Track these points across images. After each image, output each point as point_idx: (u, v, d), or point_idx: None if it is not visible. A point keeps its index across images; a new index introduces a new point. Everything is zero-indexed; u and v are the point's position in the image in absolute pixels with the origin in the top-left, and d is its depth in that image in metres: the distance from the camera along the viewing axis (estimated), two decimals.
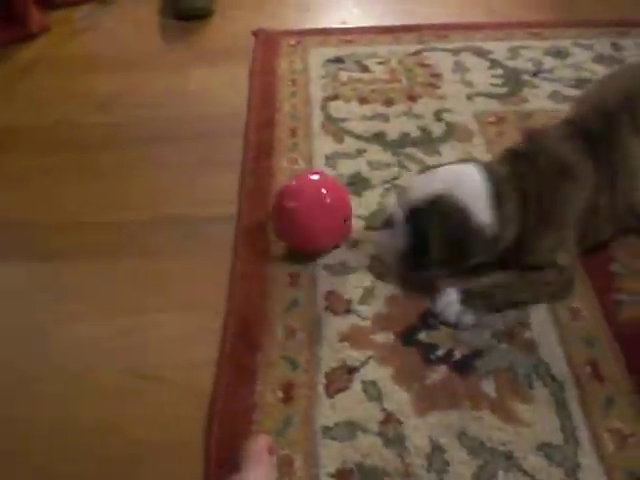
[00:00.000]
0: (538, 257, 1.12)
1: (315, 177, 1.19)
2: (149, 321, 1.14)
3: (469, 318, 1.10)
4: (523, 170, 1.12)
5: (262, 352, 1.06)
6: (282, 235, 1.21)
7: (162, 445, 0.97)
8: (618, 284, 1.16)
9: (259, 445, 0.89)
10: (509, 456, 0.92)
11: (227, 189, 1.39)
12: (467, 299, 1.10)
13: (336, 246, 1.23)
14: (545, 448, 0.93)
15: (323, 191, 1.16)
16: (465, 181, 1.09)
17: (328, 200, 1.16)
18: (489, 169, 1.11)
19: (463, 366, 1.03)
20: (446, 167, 1.15)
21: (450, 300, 1.11)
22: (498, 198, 1.08)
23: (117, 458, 0.96)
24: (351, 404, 0.99)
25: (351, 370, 1.03)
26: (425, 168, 1.30)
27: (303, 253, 1.21)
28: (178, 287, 1.20)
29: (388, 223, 1.15)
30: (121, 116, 1.65)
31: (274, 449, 0.93)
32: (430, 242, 1.07)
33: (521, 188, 1.10)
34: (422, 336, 1.08)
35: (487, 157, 1.41)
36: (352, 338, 1.08)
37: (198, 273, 1.22)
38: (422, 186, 1.11)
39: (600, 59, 1.79)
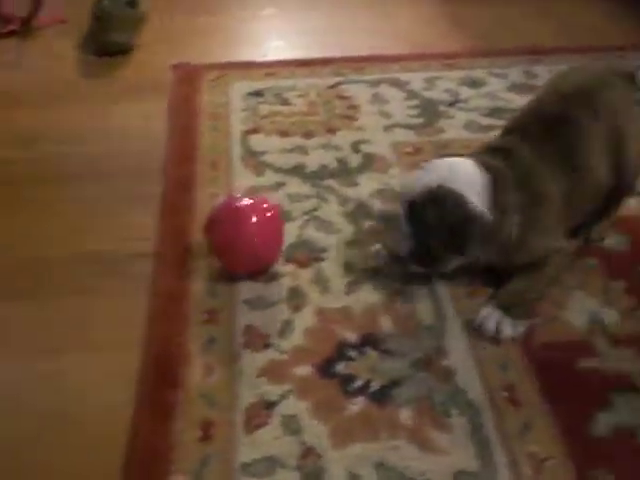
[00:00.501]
0: (538, 254, 1.19)
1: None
2: (69, 363, 1.12)
3: (508, 327, 1.13)
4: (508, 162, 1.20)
5: (181, 390, 1.05)
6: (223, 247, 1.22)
7: None
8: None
9: None
10: None
11: (147, 225, 1.37)
12: (504, 310, 1.14)
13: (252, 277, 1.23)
14: (462, 476, 0.93)
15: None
16: (459, 172, 1.17)
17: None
18: (483, 161, 1.19)
19: (381, 396, 1.04)
20: (440, 160, 1.23)
21: (488, 312, 1.14)
22: (495, 187, 1.15)
23: None
24: (270, 439, 0.98)
25: (270, 405, 1.02)
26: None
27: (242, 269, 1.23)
28: (97, 326, 1.18)
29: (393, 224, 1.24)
30: (42, 152, 1.64)
31: None
32: (429, 231, 1.14)
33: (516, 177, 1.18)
34: (340, 368, 1.08)
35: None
36: (271, 373, 1.07)
37: (118, 311, 1.21)
38: (418, 181, 1.18)
39: (514, 87, 1.85)
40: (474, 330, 1.15)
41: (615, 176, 1.26)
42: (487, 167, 1.18)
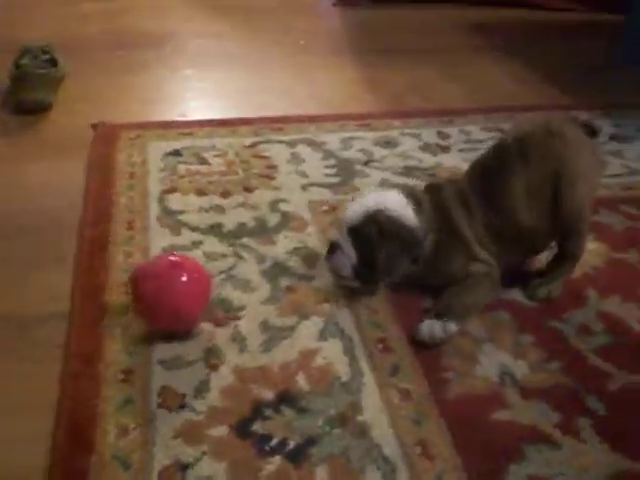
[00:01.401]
0: (454, 272, 1.34)
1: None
2: None
3: (439, 329, 1.23)
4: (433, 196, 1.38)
5: (94, 454, 1.03)
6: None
7: None
8: (444, 363, 1.21)
9: None
10: None
11: (60, 286, 1.35)
12: (435, 316, 1.25)
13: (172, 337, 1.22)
14: None
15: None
16: (390, 197, 1.35)
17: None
18: (408, 191, 1.38)
19: (297, 455, 1.03)
20: (371, 193, 1.43)
21: (429, 323, 1.24)
22: (417, 211, 1.33)
23: None
24: None
25: (184, 467, 1.01)
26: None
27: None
28: (6, 390, 1.15)
29: (332, 249, 1.34)
30: None
31: None
32: (374, 247, 1.29)
33: (435, 207, 1.36)
34: (256, 427, 1.07)
35: (320, 245, 1.46)
36: (186, 434, 1.06)
37: (28, 374, 1.18)
38: (355, 209, 1.34)
39: (427, 147, 1.91)
40: (414, 341, 1.25)
41: (549, 219, 1.33)
42: (410, 195, 1.35)
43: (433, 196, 1.38)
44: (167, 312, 1.19)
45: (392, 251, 1.30)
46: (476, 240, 1.34)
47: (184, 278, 1.21)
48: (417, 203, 1.34)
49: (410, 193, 1.37)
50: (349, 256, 1.31)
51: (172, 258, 1.25)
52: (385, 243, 1.29)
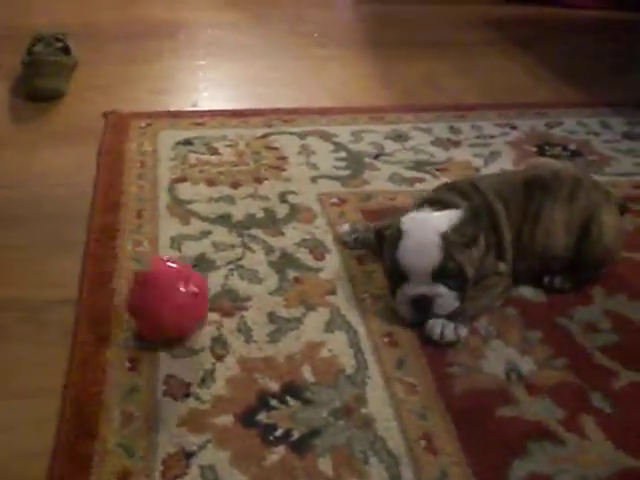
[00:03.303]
0: (484, 271, 1.31)
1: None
2: None
3: (451, 331, 1.23)
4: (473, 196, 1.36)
5: (98, 440, 1.03)
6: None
7: None
8: (450, 358, 1.21)
9: None
10: None
11: (68, 272, 1.36)
12: (447, 316, 1.25)
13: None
14: None
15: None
16: (435, 219, 1.28)
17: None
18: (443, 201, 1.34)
19: (301, 445, 1.03)
20: (413, 226, 1.29)
21: (434, 320, 1.25)
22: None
23: None
24: None
25: (189, 455, 1.01)
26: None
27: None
28: (14, 373, 1.16)
29: (424, 305, 1.27)
30: None
31: None
32: (466, 276, 1.26)
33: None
34: (261, 417, 1.08)
35: (328, 237, 1.46)
36: (191, 422, 1.06)
37: (36, 359, 1.19)
38: (423, 254, 1.25)
39: (438, 142, 1.90)
40: (423, 337, 1.24)
41: (573, 253, 1.36)
42: (446, 202, 1.33)
43: (468, 197, 1.35)
44: (158, 321, 1.17)
45: (480, 261, 1.29)
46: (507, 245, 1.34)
47: (182, 289, 1.18)
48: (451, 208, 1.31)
49: (434, 203, 1.33)
50: (448, 295, 1.26)
51: (171, 265, 1.22)
52: (474, 262, 1.27)
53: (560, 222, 1.35)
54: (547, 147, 1.93)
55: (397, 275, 1.28)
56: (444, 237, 1.24)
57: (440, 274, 1.25)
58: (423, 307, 1.26)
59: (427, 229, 1.26)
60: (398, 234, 1.27)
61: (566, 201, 1.35)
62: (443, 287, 1.26)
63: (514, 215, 1.35)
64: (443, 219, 1.27)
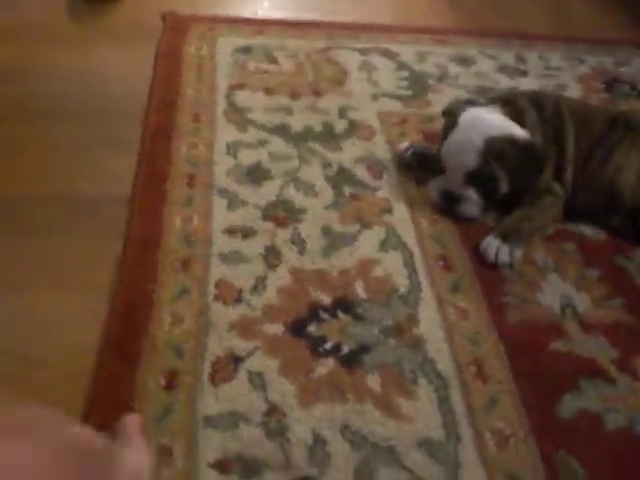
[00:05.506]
0: (541, 186, 1.29)
1: None
2: (32, 301, 1.09)
3: (506, 254, 1.22)
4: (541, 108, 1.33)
5: (147, 338, 1.03)
6: None
7: None
8: (506, 287, 1.18)
9: (130, 426, 0.84)
10: (390, 451, 0.92)
11: (121, 170, 1.35)
12: (503, 237, 1.23)
13: None
14: (426, 444, 0.93)
15: None
16: (489, 120, 1.27)
17: None
18: (502, 101, 1.34)
19: (350, 360, 1.03)
20: (465, 119, 1.28)
21: (488, 240, 1.23)
22: (520, 120, 1.29)
23: None
24: (235, 394, 0.97)
25: (237, 360, 1.01)
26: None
27: None
28: (64, 267, 1.16)
29: (453, 201, 1.30)
30: (19, 89, 1.58)
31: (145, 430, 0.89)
32: (497, 184, 1.26)
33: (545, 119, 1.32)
34: (311, 329, 1.07)
35: (387, 156, 1.43)
36: (241, 328, 1.05)
37: (86, 254, 1.18)
38: (462, 149, 1.25)
39: (504, 69, 1.84)
40: (477, 256, 1.23)
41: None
42: (507, 107, 1.32)
43: (541, 108, 1.33)
44: None
45: (520, 175, 1.26)
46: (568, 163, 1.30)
47: None
48: (518, 113, 1.30)
49: (506, 103, 1.33)
50: (474, 201, 1.28)
51: None
52: (510, 172, 1.25)
53: (634, 164, 1.30)
54: (615, 84, 1.85)
55: (439, 163, 1.30)
56: (488, 143, 1.23)
57: (472, 178, 1.26)
58: (449, 203, 1.29)
59: (475, 130, 1.25)
60: (453, 124, 1.28)
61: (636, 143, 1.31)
62: (473, 191, 1.27)
63: (587, 139, 1.31)
64: (497, 124, 1.26)
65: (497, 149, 1.23)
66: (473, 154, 1.24)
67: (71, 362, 1.00)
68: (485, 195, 1.28)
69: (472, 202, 1.28)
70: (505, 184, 1.26)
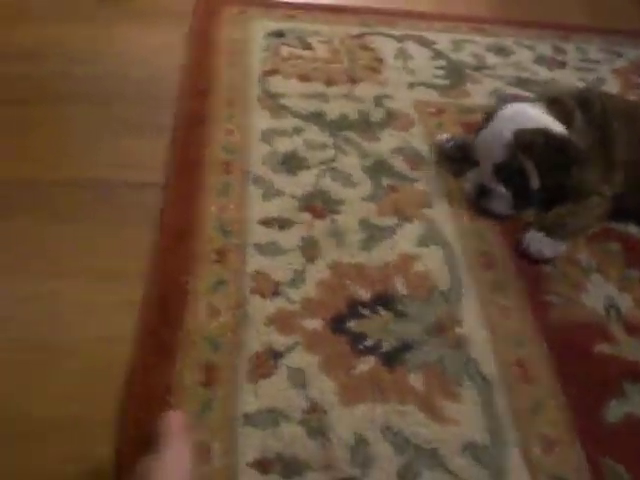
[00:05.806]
0: (586, 187, 1.25)
1: None
2: (64, 288, 1.07)
3: (549, 248, 1.19)
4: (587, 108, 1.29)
5: (182, 331, 1.00)
6: None
7: (68, 422, 0.90)
8: (548, 286, 1.15)
9: (175, 423, 0.82)
10: (434, 454, 0.90)
11: (152, 156, 1.32)
12: (546, 231, 1.20)
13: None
14: (471, 448, 0.91)
15: None
16: (525, 114, 1.25)
17: None
18: (548, 101, 1.30)
19: (391, 358, 1.00)
20: (501, 114, 1.27)
21: (531, 235, 1.20)
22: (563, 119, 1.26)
23: (19, 435, 0.88)
24: (275, 391, 0.94)
25: (276, 355, 0.98)
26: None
27: None
28: (97, 254, 1.13)
29: (483, 193, 1.27)
30: (45, 69, 1.56)
31: (189, 427, 0.87)
32: (527, 179, 1.23)
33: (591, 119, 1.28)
34: (352, 325, 1.04)
35: (424, 147, 1.39)
36: (279, 322, 1.03)
37: (119, 241, 1.16)
38: (494, 143, 1.23)
39: (541, 60, 1.79)
40: (518, 252, 1.20)
41: None
42: (552, 105, 1.28)
43: (587, 109, 1.29)
44: None
45: (551, 171, 1.22)
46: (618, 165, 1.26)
47: None
48: (565, 113, 1.26)
49: (552, 102, 1.29)
50: (503, 195, 1.25)
51: None
52: (540, 167, 1.21)
53: None
54: None
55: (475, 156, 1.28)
56: (517, 135, 1.20)
57: (500, 171, 1.23)
58: (480, 197, 1.27)
59: (508, 123, 1.23)
60: (490, 117, 1.27)
61: None
62: (501, 186, 1.24)
63: (637, 139, 1.27)
64: (534, 118, 1.23)
65: (526, 141, 1.20)
66: (501, 146, 1.22)
67: (102, 353, 0.98)
68: (515, 191, 1.24)
69: (501, 198, 1.25)
70: (536, 179, 1.22)
